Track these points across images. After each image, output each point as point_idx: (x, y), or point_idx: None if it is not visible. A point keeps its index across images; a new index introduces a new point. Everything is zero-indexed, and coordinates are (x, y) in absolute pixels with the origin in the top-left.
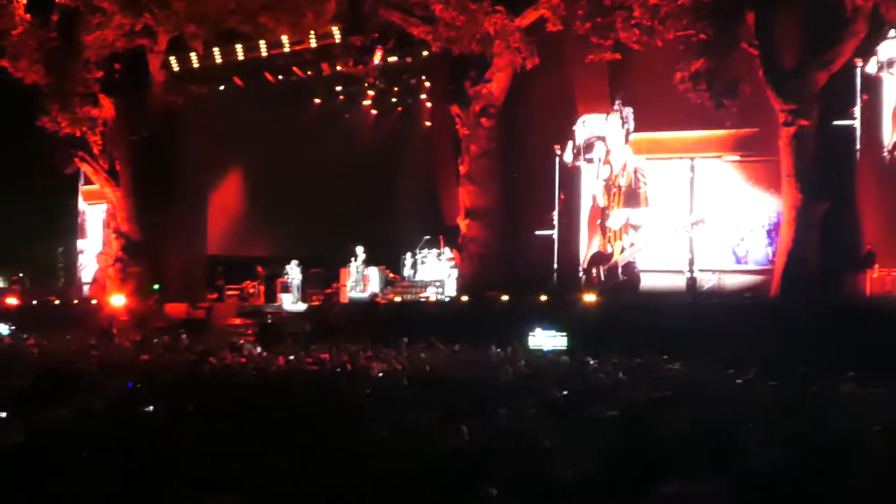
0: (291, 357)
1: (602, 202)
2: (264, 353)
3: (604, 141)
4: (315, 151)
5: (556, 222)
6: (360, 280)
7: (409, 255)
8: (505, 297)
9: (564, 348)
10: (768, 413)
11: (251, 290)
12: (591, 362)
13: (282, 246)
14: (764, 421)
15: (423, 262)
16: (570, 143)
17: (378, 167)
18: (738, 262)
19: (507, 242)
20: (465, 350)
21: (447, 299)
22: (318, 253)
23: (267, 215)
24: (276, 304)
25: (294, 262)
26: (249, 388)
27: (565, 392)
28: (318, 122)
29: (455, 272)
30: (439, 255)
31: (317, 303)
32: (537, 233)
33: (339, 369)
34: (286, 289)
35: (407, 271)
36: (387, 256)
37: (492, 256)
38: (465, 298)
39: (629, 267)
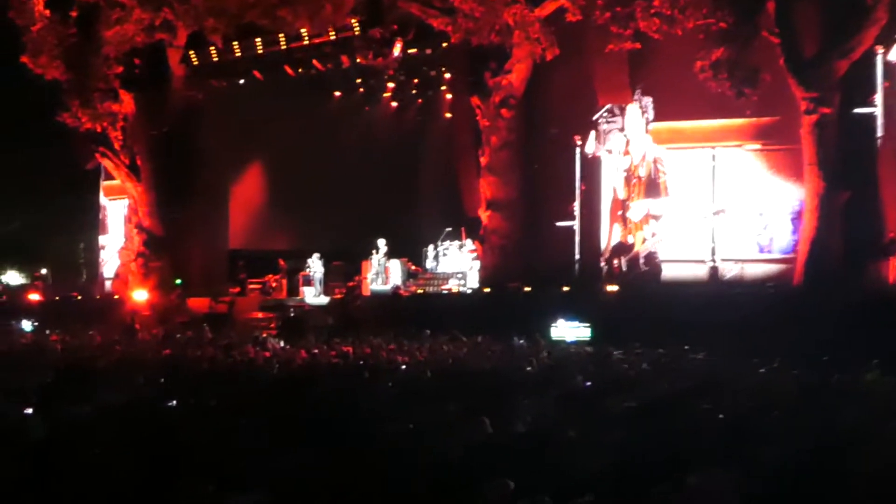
0: (315, 351)
1: (622, 193)
2: (287, 347)
3: (624, 131)
4: (335, 144)
5: (577, 213)
6: (382, 273)
7: (430, 247)
8: (527, 289)
9: (587, 339)
10: (791, 403)
11: (273, 284)
12: (615, 353)
13: (303, 239)
14: (787, 411)
15: (444, 254)
16: (590, 134)
17: (398, 159)
18: (761, 251)
19: (529, 233)
20: (487, 342)
21: (469, 291)
22: (339, 246)
23: (288, 209)
24: (298, 297)
25: (316, 256)
26: (273, 382)
27: (588, 383)
28: (338, 115)
29: (477, 264)
30: (461, 246)
31: (339, 296)
32: (558, 224)
33: (361, 362)
34: (308, 282)
35: (429, 263)
36: (409, 248)
37: (513, 248)
38: (487, 290)
39: (651, 257)
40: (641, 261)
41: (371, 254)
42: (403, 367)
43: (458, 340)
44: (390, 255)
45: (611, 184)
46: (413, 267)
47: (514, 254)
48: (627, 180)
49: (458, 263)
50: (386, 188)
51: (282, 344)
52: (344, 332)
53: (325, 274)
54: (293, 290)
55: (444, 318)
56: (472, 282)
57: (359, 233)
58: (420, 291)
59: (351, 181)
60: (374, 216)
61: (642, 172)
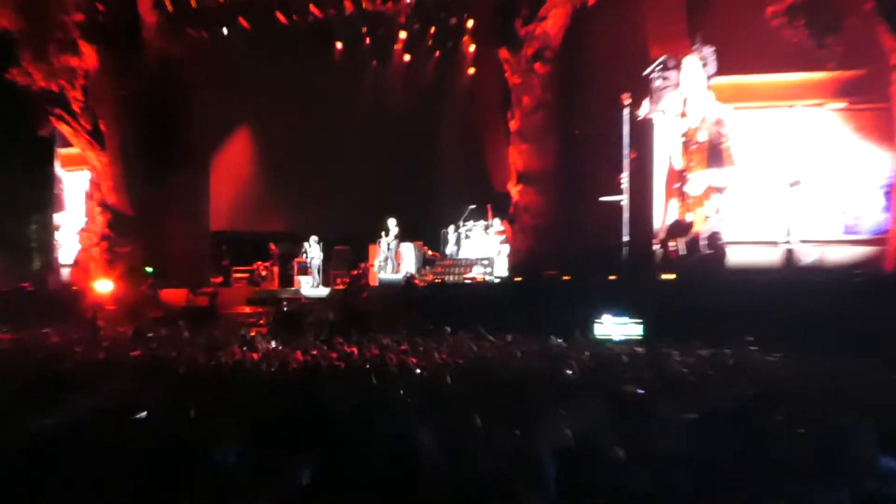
0: (313, 352)
1: (679, 162)
2: (280, 348)
3: (680, 89)
4: (337, 106)
5: (625, 187)
6: (393, 259)
7: (450, 228)
8: (565, 277)
9: (638, 337)
10: (885, 414)
11: (263, 273)
12: (672, 354)
13: (299, 219)
14: (880, 423)
15: (467, 237)
16: (641, 92)
17: (412, 124)
18: (847, 231)
19: (568, 211)
20: (519, 341)
21: (497, 280)
22: (342, 227)
23: (281, 183)
24: (292, 288)
25: (314, 239)
26: (263, 389)
27: (640, 390)
28: (341, 71)
29: (506, 248)
30: (487, 227)
31: (341, 286)
32: (603, 200)
33: (368, 366)
34: (305, 270)
35: (449, 248)
36: (424, 230)
37: (549, 228)
38: (518, 279)
39: (713, 238)
40: (703, 243)
41: (379, 237)
42: (418, 370)
43: (484, 339)
44: (402, 237)
45: (666, 151)
46: (430, 252)
47: (551, 236)
48: (685, 147)
49: (483, 247)
50: (397, 158)
51: (273, 344)
52: (347, 329)
53: (325, 261)
54: (287, 280)
55: (466, 313)
56: (500, 269)
57: (365, 212)
58: (438, 281)
59: (356, 150)
60: (384, 192)
61: (703, 137)
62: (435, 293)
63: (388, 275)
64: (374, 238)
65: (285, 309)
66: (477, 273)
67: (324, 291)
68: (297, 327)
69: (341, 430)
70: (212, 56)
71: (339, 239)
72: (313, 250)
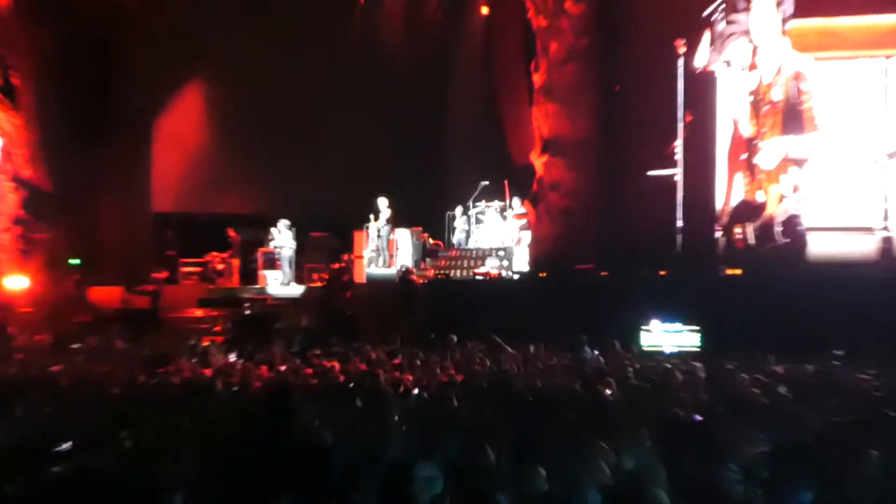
0: (282, 367)
1: (748, 127)
2: (241, 362)
3: (749, 35)
4: (316, 57)
5: (679, 157)
6: (385, 249)
7: (458, 211)
8: (603, 273)
9: (695, 349)
10: None
11: (219, 266)
12: (738, 370)
13: (265, 199)
14: None
15: (478, 222)
16: (700, 39)
17: (411, 83)
18: None
19: (606, 189)
20: (544, 353)
21: (516, 277)
22: (320, 209)
23: (244, 154)
24: (257, 286)
25: (283, 224)
26: (219, 415)
27: (698, 417)
28: (321, 13)
29: (528, 235)
30: (504, 209)
31: (319, 284)
32: (651, 174)
33: (352, 384)
34: (272, 263)
35: (456, 235)
36: (425, 213)
37: (583, 210)
38: (543, 274)
39: (791, 223)
40: (777, 228)
41: (368, 221)
42: (417, 391)
43: (500, 351)
44: (397, 222)
45: (730, 113)
46: (432, 241)
47: (585, 220)
48: (755, 108)
49: (498, 235)
50: (392, 124)
51: (232, 357)
52: (326, 338)
53: (298, 251)
54: (249, 276)
55: (478, 317)
56: (521, 263)
57: (350, 190)
58: (442, 277)
59: (340, 114)
60: (374, 165)
61: (777, 96)
62: (438, 293)
63: (378, 269)
64: (361, 223)
65: (248, 312)
66: (491, 267)
67: (296, 290)
68: (263, 336)
69: (319, 469)
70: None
71: (315, 224)
72: (283, 238)
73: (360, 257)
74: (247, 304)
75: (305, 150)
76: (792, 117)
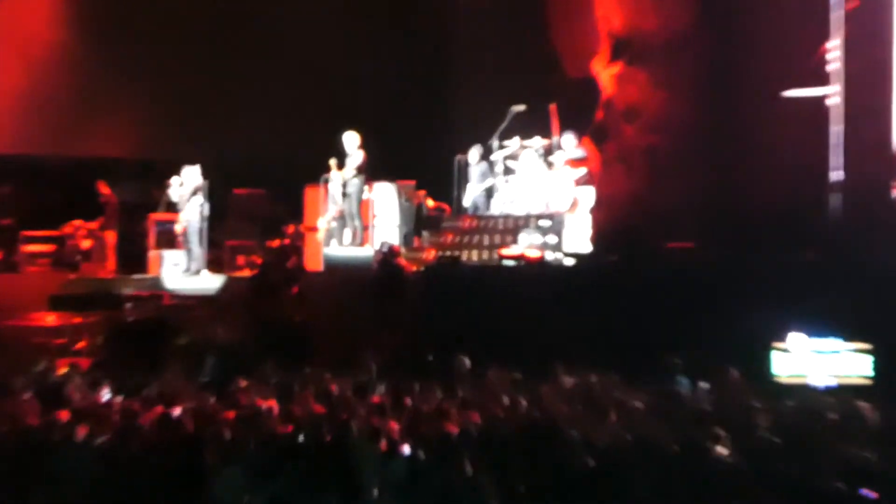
0: (186, 405)
1: None
2: (119, 399)
3: None
4: None
5: (834, 69)
6: (355, 216)
7: (473, 154)
8: (709, 255)
9: (865, 380)
10: None
11: (84, 243)
12: None
13: (160, 136)
14: None
15: (507, 173)
16: None
17: None
18: None
19: (715, 119)
20: (610, 384)
21: (570, 261)
22: (250, 152)
23: (124, 67)
24: (146, 275)
25: (190, 173)
26: (82, 484)
27: (871, 493)
28: None
29: (588, 195)
30: (548, 153)
31: (248, 272)
32: (789, 94)
33: (304, 438)
34: (169, 240)
35: (471, 195)
36: (420, 159)
37: (677, 153)
38: (611, 257)
39: None
40: None
41: (328, 171)
42: (407, 449)
43: (539, 382)
44: (374, 173)
45: None
46: (432, 203)
47: (680, 168)
48: None
49: (540, 194)
50: (369, 25)
51: (106, 392)
52: (258, 360)
53: (214, 220)
54: (133, 259)
55: (505, 327)
56: (577, 238)
57: (301, 124)
58: (449, 260)
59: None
60: (338, 79)
61: None
62: (441, 287)
63: (343, 249)
64: (317, 175)
65: (130, 319)
66: (528, 246)
67: (210, 282)
68: (155, 357)
69: None
70: None
71: (243, 175)
72: (188, 198)
73: (315, 229)
74: (129, 306)
75: (229, 61)
76: None
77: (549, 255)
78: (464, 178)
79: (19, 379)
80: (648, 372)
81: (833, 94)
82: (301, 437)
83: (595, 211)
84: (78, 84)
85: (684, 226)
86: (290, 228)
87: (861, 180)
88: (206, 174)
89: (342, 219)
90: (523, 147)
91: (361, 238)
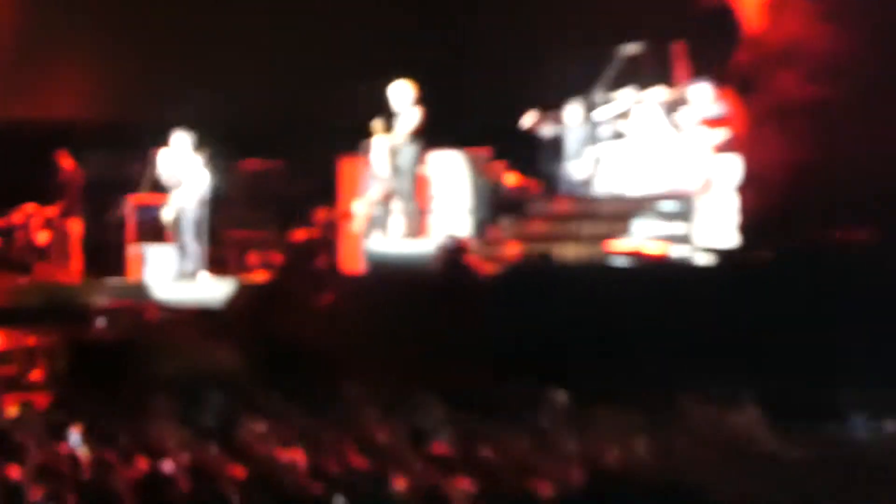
0: (175, 459)
1: None
2: (88, 450)
3: None
4: None
5: None
6: (406, 197)
7: (570, 111)
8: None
9: None
10: None
11: (38, 236)
12: None
13: (143, 93)
14: None
15: (617, 137)
16: None
17: None
18: None
19: None
20: (761, 426)
21: (702, 258)
22: (264, 109)
23: (93, 5)
24: (122, 278)
25: (181, 143)
26: None
27: None
28: None
29: (731, 167)
30: (673, 108)
31: (263, 275)
32: None
33: (338, 499)
34: (156, 230)
35: (568, 167)
36: (496, 122)
37: (853, 109)
38: (764, 254)
39: None
40: None
41: (370, 136)
42: None
43: (664, 424)
44: (434, 138)
45: None
46: (513, 180)
47: (858, 130)
48: None
49: (663, 165)
50: None
51: (73, 439)
52: (275, 394)
53: (215, 204)
54: (106, 257)
55: (613, 348)
56: (717, 227)
57: (330, 74)
58: (538, 257)
59: None
60: (383, 11)
61: None
62: (527, 294)
63: (392, 241)
64: (356, 141)
65: (103, 339)
66: (648, 238)
67: (213, 288)
68: (137, 390)
69: None
70: None
71: (252, 142)
72: (181, 174)
73: (352, 216)
74: (101, 321)
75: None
76: None
77: (676, 251)
78: (557, 146)
79: None
80: (812, 411)
81: None
82: (337, 501)
83: (741, 189)
84: (31, 27)
85: (865, 210)
86: (319, 215)
87: None
88: (201, 141)
89: (389, 201)
90: (638, 102)
91: (416, 228)
